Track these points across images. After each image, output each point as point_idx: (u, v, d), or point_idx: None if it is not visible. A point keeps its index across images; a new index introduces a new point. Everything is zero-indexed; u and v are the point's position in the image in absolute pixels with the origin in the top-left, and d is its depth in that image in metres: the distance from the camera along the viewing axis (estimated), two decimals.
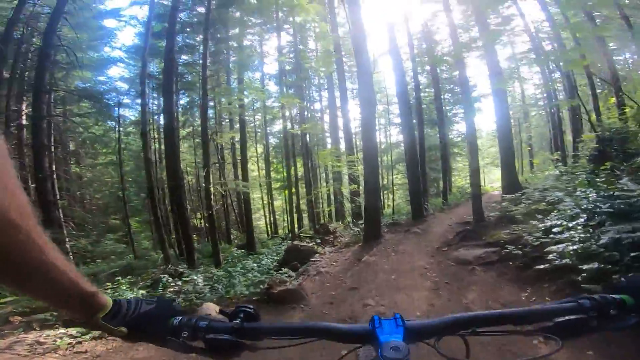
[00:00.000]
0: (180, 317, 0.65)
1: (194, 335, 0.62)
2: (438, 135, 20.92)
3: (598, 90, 17.94)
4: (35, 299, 0.75)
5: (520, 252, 4.94)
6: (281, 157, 20.35)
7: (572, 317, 0.58)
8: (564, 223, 4.23)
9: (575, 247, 3.58)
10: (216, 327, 0.63)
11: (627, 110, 11.04)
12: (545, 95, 23.53)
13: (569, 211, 4.55)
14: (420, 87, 25.33)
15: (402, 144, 18.75)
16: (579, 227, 3.77)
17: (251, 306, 0.69)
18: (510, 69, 26.26)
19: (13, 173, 0.43)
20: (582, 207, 4.05)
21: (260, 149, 24.38)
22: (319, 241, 10.53)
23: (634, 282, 0.63)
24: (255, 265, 8.89)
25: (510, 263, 4.98)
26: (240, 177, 16.69)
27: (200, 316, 0.66)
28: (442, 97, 21.28)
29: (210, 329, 0.62)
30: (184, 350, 0.62)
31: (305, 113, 25.10)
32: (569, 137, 19.68)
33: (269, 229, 23.48)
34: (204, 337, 0.62)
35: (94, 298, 0.58)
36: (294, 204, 13.97)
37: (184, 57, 16.55)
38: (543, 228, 4.93)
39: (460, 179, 29.25)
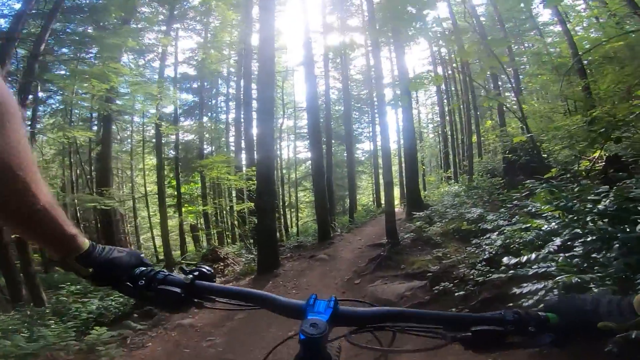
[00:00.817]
0: (143, 268, 0.68)
1: (149, 285, 0.65)
2: (345, 152, 20.59)
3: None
4: (23, 237, 0.83)
5: (462, 291, 3.64)
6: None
7: (488, 327, 0.54)
8: (523, 250, 3.06)
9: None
10: (169, 279, 0.65)
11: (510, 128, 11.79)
12: (438, 119, 25.60)
13: (520, 234, 3.44)
14: (332, 103, 25.29)
15: (310, 160, 17.71)
16: (560, 256, 2.56)
17: (208, 267, 0.71)
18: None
19: (16, 126, 0.47)
20: (550, 228, 2.93)
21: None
22: None
23: (566, 301, 0.62)
24: (89, 308, 6.13)
25: (453, 308, 3.60)
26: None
27: (160, 269, 0.69)
28: (352, 114, 21.07)
29: (164, 281, 0.65)
30: (136, 296, 0.67)
31: (208, 124, 22.62)
32: (456, 158, 21.36)
33: (157, 253, 19.42)
34: (156, 287, 0.64)
35: (73, 240, 0.63)
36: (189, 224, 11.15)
37: None
38: (486, 256, 3.75)
39: (365, 197, 29.68)
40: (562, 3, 15.79)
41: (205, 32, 17.68)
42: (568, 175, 4.21)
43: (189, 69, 20.63)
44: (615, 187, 2.65)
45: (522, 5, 13.08)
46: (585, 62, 8.60)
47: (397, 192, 27.69)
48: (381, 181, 30.38)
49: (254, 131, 11.28)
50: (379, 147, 26.63)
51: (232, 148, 21.24)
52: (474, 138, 20.12)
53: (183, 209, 15.20)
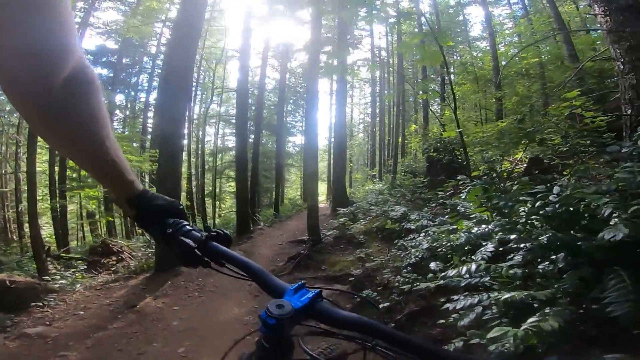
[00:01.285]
0: (179, 220, 0.73)
1: (173, 234, 0.69)
2: (275, 143, 19.80)
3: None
4: (94, 178, 0.82)
5: (387, 302, 3.18)
6: None
7: None
8: (452, 255, 2.71)
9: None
10: (190, 234, 0.69)
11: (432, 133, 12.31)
12: (369, 119, 26.30)
13: (448, 236, 3.10)
14: (267, 92, 24.14)
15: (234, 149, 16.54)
16: (502, 267, 2.19)
17: (227, 232, 0.75)
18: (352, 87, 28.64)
19: (98, 93, 0.58)
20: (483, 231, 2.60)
21: None
22: (84, 267, 7.15)
23: None
24: None
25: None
26: None
27: (193, 225, 0.73)
28: (284, 105, 20.20)
29: (185, 234, 0.69)
30: (162, 242, 0.72)
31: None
32: (383, 158, 22.17)
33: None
34: (177, 237, 0.67)
35: (130, 185, 0.71)
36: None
37: None
38: (413, 260, 3.37)
39: (292, 191, 29.26)
40: (496, 21, 17.49)
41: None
42: (494, 175, 4.09)
43: (109, 42, 18.03)
44: (558, 187, 2.38)
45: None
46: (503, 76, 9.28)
47: (324, 188, 28.02)
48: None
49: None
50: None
51: (150, 130, 18.91)
52: (400, 139, 21.10)
53: (82, 193, 13.30)
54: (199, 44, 21.28)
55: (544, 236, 2.12)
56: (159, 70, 19.45)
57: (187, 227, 0.71)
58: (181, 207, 0.78)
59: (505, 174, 4.40)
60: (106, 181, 0.71)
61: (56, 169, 12.81)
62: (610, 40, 3.86)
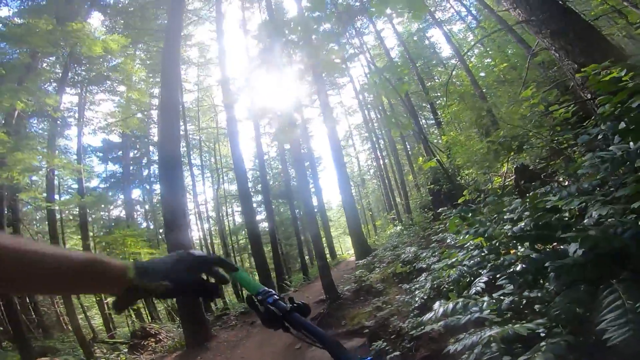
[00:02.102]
0: (265, 288, 0.84)
1: (262, 301, 0.81)
2: (289, 209, 19.96)
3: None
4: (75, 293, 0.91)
5: (397, 350, 2.98)
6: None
7: None
8: (450, 292, 2.56)
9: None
10: (277, 303, 0.79)
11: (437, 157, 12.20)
12: (375, 164, 26.51)
13: (447, 271, 2.96)
14: (269, 161, 25.00)
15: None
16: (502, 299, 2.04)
17: (306, 304, 0.83)
18: (346, 138, 29.35)
19: None
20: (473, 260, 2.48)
21: None
22: (127, 350, 8.05)
23: None
24: None
25: None
26: None
27: (268, 290, 0.83)
28: (288, 171, 20.74)
29: (274, 303, 0.80)
30: (253, 307, 0.82)
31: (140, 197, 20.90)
32: (398, 199, 21.84)
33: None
34: (267, 305, 0.79)
35: (123, 272, 0.61)
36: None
37: None
38: (418, 303, 3.20)
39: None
40: (457, 37, 18.20)
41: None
42: (482, 196, 3.99)
43: (112, 136, 19.48)
44: (526, 198, 2.30)
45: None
46: (485, 89, 9.38)
47: (349, 241, 27.46)
48: (334, 233, 30.28)
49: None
50: (325, 202, 26.72)
51: None
52: (410, 177, 20.93)
53: None
54: (194, 126, 22.78)
55: (525, 257, 2.00)
56: None
57: (275, 296, 0.81)
58: (200, 254, 0.73)
59: (499, 190, 4.27)
60: (94, 288, 0.69)
61: None
62: (533, 31, 3.82)
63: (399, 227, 12.44)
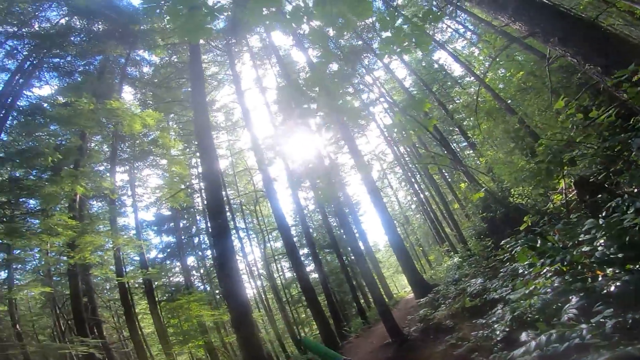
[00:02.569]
0: None
1: None
2: (337, 258, 19.84)
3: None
4: None
5: None
6: None
7: None
8: (537, 322, 2.35)
9: None
10: None
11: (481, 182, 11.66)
12: (415, 198, 25.87)
13: (528, 301, 2.74)
14: (309, 214, 25.35)
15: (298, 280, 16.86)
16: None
17: None
18: (381, 179, 29.17)
19: None
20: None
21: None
22: None
23: None
24: None
25: None
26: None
27: None
28: (329, 220, 20.77)
29: None
30: None
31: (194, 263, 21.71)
32: (447, 229, 20.88)
33: None
34: None
35: None
36: None
37: None
38: (500, 336, 2.95)
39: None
40: (462, 54, 18.02)
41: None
42: (545, 218, 3.75)
43: (163, 210, 20.87)
44: (603, 219, 2.17)
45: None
46: (509, 100, 9.14)
47: (404, 280, 26.44)
48: (386, 273, 29.32)
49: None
50: (372, 244, 26.15)
51: None
52: (456, 205, 20.06)
53: (190, 345, 13.99)
54: (233, 190, 23.82)
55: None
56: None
57: None
58: None
59: (563, 208, 4.00)
60: None
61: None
62: (541, 41, 3.71)
63: (456, 259, 11.80)
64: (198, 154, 16.10)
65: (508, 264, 4.58)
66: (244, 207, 24.82)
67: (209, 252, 22.55)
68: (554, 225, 3.27)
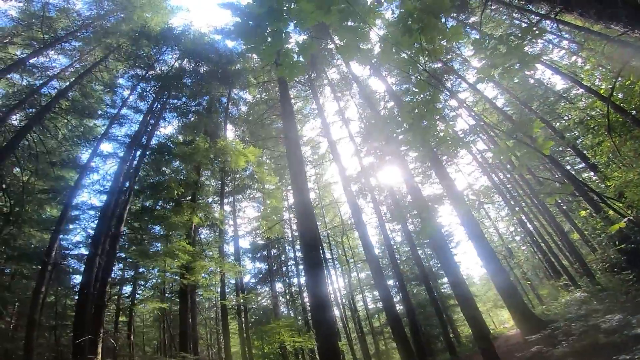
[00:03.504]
0: None
1: None
2: (424, 290, 18.72)
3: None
4: None
5: None
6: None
7: None
8: None
9: None
10: None
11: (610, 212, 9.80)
12: (520, 228, 23.00)
13: None
14: (396, 246, 24.63)
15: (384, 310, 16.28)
16: None
17: None
18: (477, 208, 26.84)
19: None
20: None
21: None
22: None
23: None
24: None
25: None
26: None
27: None
28: (418, 252, 19.79)
29: None
30: None
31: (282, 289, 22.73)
32: (564, 262, 17.95)
33: None
34: None
35: None
36: None
37: None
38: None
39: (467, 328, 25.10)
40: (562, 64, 15.67)
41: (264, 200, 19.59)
42: None
43: (257, 239, 22.55)
44: None
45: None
46: (634, 112, 7.67)
47: (506, 315, 23.50)
48: (482, 308, 26.53)
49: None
50: (465, 277, 23.90)
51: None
52: (575, 234, 17.19)
53: None
54: (320, 222, 24.44)
55: None
56: (298, 253, 22.46)
57: None
58: None
59: None
60: None
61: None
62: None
63: (579, 294, 10.02)
64: (290, 187, 17.15)
65: None
66: (330, 239, 25.36)
67: (295, 280, 23.53)
68: None
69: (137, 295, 15.34)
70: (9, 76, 13.73)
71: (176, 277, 12.65)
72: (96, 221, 12.55)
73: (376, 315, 24.53)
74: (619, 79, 7.93)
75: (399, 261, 20.66)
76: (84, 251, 14.43)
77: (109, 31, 16.33)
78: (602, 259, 9.38)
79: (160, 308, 13.37)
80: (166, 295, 16.28)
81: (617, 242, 7.70)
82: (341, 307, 23.63)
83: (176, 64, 17.51)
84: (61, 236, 13.36)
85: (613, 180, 8.67)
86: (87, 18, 16.38)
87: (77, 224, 14.78)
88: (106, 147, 16.62)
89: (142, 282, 15.13)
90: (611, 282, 7.75)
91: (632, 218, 5.81)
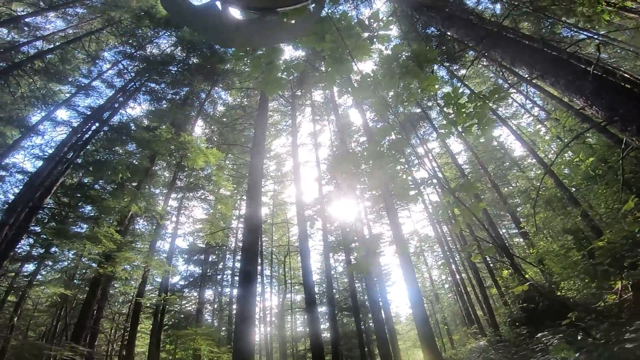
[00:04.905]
0: None
1: None
2: (354, 323, 18.97)
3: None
4: None
5: None
6: None
7: None
8: None
9: None
10: None
11: (528, 274, 10.76)
12: (450, 278, 24.45)
13: None
14: (336, 275, 24.90)
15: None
16: None
17: None
18: (416, 254, 28.09)
19: None
20: None
21: None
22: None
23: None
24: None
25: None
26: None
27: None
28: (355, 284, 20.17)
29: None
30: None
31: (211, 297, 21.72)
32: (479, 312, 19.34)
33: None
34: None
35: None
36: None
37: None
38: None
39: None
40: (526, 131, 16.89)
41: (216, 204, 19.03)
42: (593, 316, 3.47)
43: (198, 242, 21.57)
44: None
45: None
46: (574, 189, 8.54)
47: (420, 356, 24.64)
48: (402, 346, 27.49)
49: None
50: (393, 314, 24.79)
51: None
52: (494, 290, 18.60)
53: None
54: (267, 238, 24.15)
55: None
56: (238, 264, 21.83)
57: None
58: None
59: (614, 308, 3.68)
60: None
61: None
62: (618, 129, 3.49)
63: (482, 342, 10.94)
64: (244, 197, 16.74)
65: (540, 354, 4.18)
66: (273, 256, 25.02)
67: (228, 290, 22.71)
68: (601, 323, 3.06)
69: (39, 277, 13.82)
70: None
71: (93, 264, 11.62)
72: (20, 187, 11.33)
73: (302, 339, 24.28)
74: (569, 153, 8.66)
75: (335, 290, 20.90)
76: None
77: (118, 4, 15.57)
78: (508, 313, 10.40)
79: (61, 294, 12.12)
80: (75, 281, 14.79)
81: (521, 301, 8.52)
82: (269, 325, 23.14)
83: (168, 50, 16.96)
84: None
85: (536, 248, 9.63)
86: None
87: None
88: (62, 113, 15.34)
89: (51, 263, 13.68)
90: (509, 335, 8.59)
91: (534, 283, 6.43)
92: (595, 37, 9.57)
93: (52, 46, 13.93)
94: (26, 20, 13.45)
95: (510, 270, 14.72)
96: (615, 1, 6.88)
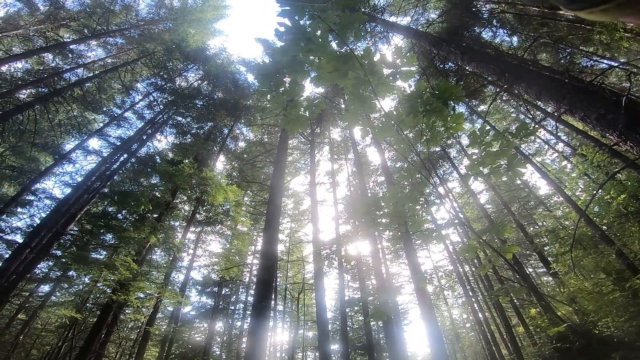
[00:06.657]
0: None
1: None
2: None
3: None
4: None
5: None
6: None
7: None
8: None
9: None
10: None
11: (560, 312, 10.07)
12: (472, 317, 23.22)
13: None
14: (351, 313, 24.05)
15: None
16: None
17: None
18: (436, 294, 27.01)
19: None
20: None
21: None
22: None
23: None
24: None
25: None
26: None
27: None
28: (370, 322, 19.39)
29: None
30: None
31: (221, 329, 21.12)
32: (503, 351, 18.10)
33: None
34: None
35: None
36: None
37: None
38: None
39: None
40: (551, 168, 16.02)
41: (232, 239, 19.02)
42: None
43: (212, 274, 21.40)
44: None
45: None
46: (605, 227, 8.18)
47: None
48: None
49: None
50: (409, 354, 23.35)
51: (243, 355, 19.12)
52: (520, 328, 17.45)
53: None
54: (282, 275, 23.76)
55: None
56: (250, 298, 21.39)
57: None
58: None
59: None
60: None
61: None
62: None
63: None
64: (261, 234, 16.71)
65: None
66: (287, 293, 24.54)
67: (238, 323, 22.08)
68: None
69: (53, 298, 13.81)
70: (43, 54, 13.61)
71: (107, 290, 11.61)
72: (47, 212, 11.68)
73: None
74: (600, 191, 8.36)
75: (349, 328, 20.06)
76: (18, 239, 13.16)
77: (153, 36, 16.70)
78: (539, 353, 9.66)
79: (70, 317, 12.03)
80: (87, 305, 14.73)
81: (554, 341, 7.94)
82: None
83: (195, 84, 17.77)
84: (3, 217, 12.28)
85: (567, 287, 9.07)
86: (141, 19, 16.82)
87: (27, 209, 13.65)
88: (94, 142, 16.18)
89: (66, 286, 13.73)
90: None
91: (572, 325, 6.06)
92: (620, 65, 9.31)
93: (91, 74, 14.82)
94: (71, 47, 14.34)
95: (538, 309, 13.86)
96: (632, 27, 6.89)
